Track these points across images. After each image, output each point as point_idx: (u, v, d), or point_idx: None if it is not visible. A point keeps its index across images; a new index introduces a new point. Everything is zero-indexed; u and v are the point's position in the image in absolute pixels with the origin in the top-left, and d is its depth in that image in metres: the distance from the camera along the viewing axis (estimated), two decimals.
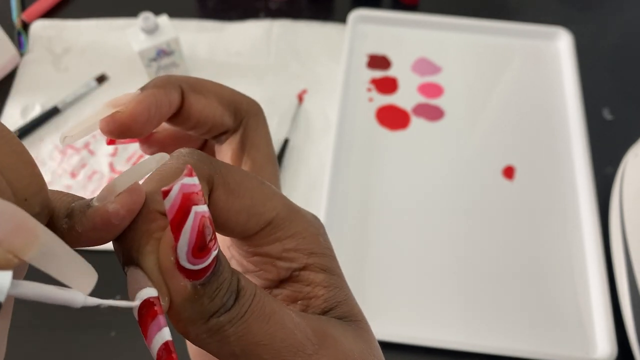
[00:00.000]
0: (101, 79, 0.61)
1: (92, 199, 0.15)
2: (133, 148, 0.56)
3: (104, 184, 0.54)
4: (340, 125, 0.57)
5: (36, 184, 0.14)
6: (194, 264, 0.15)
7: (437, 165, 0.56)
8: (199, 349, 0.21)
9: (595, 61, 0.65)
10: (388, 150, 0.57)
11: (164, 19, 0.56)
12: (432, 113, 0.60)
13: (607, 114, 0.61)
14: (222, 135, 0.22)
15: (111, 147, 0.56)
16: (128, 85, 0.61)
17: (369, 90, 0.61)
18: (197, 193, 0.15)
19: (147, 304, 0.15)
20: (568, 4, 0.70)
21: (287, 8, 0.68)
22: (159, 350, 0.15)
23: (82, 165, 0.55)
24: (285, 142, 0.58)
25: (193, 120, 0.21)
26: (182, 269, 0.15)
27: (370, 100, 0.61)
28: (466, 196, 0.55)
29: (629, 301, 0.46)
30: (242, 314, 0.16)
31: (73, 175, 0.54)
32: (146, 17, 0.55)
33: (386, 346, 0.47)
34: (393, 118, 0.59)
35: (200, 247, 0.15)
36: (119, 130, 0.19)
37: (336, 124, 0.57)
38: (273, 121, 0.59)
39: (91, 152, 0.56)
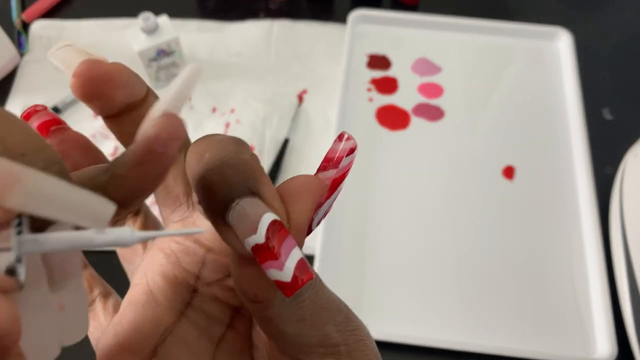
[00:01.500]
0: None
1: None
2: None
3: None
4: (340, 125, 0.57)
5: (34, 140, 0.13)
6: (316, 226, 0.17)
7: (437, 165, 0.56)
8: None
9: (595, 61, 0.65)
10: (388, 150, 0.57)
11: (164, 19, 0.56)
12: (432, 113, 0.60)
13: (607, 114, 0.61)
14: None
15: (111, 147, 0.56)
16: None
17: (369, 90, 0.61)
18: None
19: (278, 223, 0.15)
20: (568, 4, 0.70)
21: (287, 8, 0.68)
22: (296, 267, 0.15)
23: None
24: (285, 142, 0.58)
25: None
26: (309, 228, 0.16)
27: (370, 100, 0.61)
28: (466, 196, 0.55)
29: (629, 301, 0.46)
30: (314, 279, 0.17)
31: None
32: (146, 17, 0.55)
33: (386, 346, 0.47)
34: (393, 118, 0.59)
35: (326, 214, 0.16)
36: (99, 79, 0.17)
37: (336, 124, 0.57)
38: (273, 121, 0.59)
39: None
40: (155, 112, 0.14)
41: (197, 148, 0.16)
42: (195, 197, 0.19)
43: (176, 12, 0.65)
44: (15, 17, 0.67)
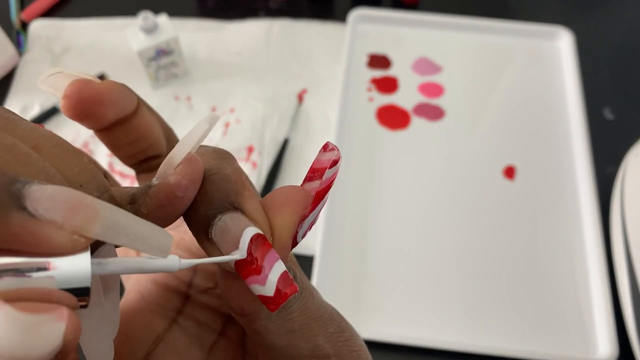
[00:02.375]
0: (100, 79, 0.61)
1: (151, 181, 0.15)
2: None
3: None
4: (340, 125, 0.57)
5: (88, 170, 0.14)
6: (302, 238, 0.16)
7: (438, 165, 0.56)
8: None
9: (596, 61, 0.64)
10: (388, 150, 0.57)
11: (163, 19, 0.56)
12: (433, 113, 0.60)
13: (608, 114, 0.61)
14: (152, 159, 0.21)
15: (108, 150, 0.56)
16: (128, 84, 0.60)
17: (369, 90, 0.61)
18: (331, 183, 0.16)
19: (260, 237, 0.15)
20: (569, 3, 0.70)
21: (287, 7, 0.68)
22: (279, 281, 0.15)
23: None
24: (285, 142, 0.57)
25: (141, 130, 0.19)
26: (294, 240, 0.16)
27: (371, 100, 0.61)
28: (467, 196, 0.54)
29: (630, 301, 0.46)
30: (301, 290, 0.17)
31: None
32: (145, 17, 0.55)
33: (385, 347, 0.47)
34: (393, 118, 0.59)
35: (312, 225, 0.16)
36: (90, 100, 0.17)
37: (336, 124, 0.57)
38: (273, 121, 0.59)
39: (90, 152, 0.56)
40: (176, 155, 0.15)
41: None
42: None
43: (176, 12, 0.65)
44: (14, 16, 0.67)
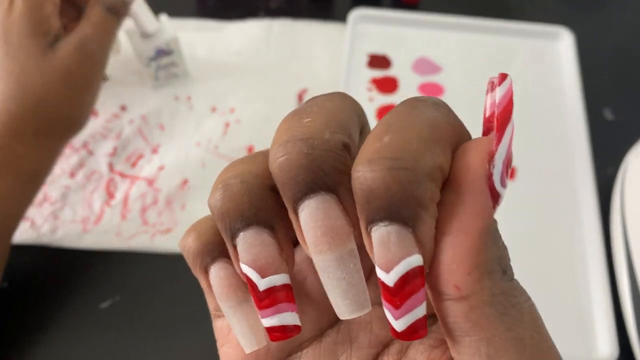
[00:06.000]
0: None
1: None
2: (132, 147, 0.56)
3: (102, 184, 0.54)
4: None
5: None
6: (502, 186, 0.13)
7: None
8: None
9: (596, 61, 0.65)
10: None
11: (163, 19, 0.56)
12: None
13: (608, 114, 0.61)
14: None
15: (110, 147, 0.56)
16: (128, 85, 0.60)
17: (369, 89, 0.61)
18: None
19: (417, 271, 0.13)
20: (569, 3, 0.70)
21: (287, 7, 0.68)
22: (413, 325, 0.13)
23: (81, 165, 0.55)
24: None
25: None
26: (492, 187, 0.13)
27: (371, 100, 0.61)
28: None
29: (630, 301, 0.46)
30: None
31: (72, 175, 0.54)
32: None
33: None
34: None
35: (509, 166, 0.13)
36: None
37: None
38: (273, 121, 0.59)
39: (90, 152, 0.56)
40: None
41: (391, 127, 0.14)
42: None
43: (175, 11, 0.64)
44: None
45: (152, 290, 0.48)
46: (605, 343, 0.46)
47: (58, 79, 0.40)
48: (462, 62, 0.63)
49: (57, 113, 0.41)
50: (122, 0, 0.44)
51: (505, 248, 0.14)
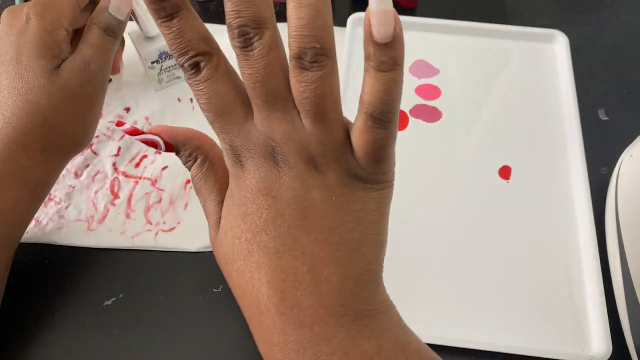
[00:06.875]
0: None
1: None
2: (137, 148, 0.57)
3: (107, 184, 0.55)
4: None
5: None
6: None
7: (435, 165, 0.57)
8: None
9: (591, 62, 0.66)
10: None
11: None
12: (430, 114, 0.61)
13: (602, 115, 0.62)
14: None
15: (114, 148, 0.57)
16: (131, 87, 0.61)
17: None
18: None
19: None
20: (564, 7, 0.71)
21: None
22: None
23: (86, 166, 0.56)
24: None
25: None
26: None
27: None
28: (462, 195, 0.55)
29: (624, 299, 0.47)
30: None
31: (76, 175, 0.55)
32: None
33: None
34: None
35: None
36: None
37: None
38: None
39: (94, 153, 0.57)
40: None
41: None
42: None
43: None
44: None
45: (155, 288, 0.49)
46: (600, 341, 0.47)
47: (63, 100, 0.42)
48: (459, 65, 0.64)
49: (64, 131, 0.43)
50: (117, 20, 0.45)
51: None
